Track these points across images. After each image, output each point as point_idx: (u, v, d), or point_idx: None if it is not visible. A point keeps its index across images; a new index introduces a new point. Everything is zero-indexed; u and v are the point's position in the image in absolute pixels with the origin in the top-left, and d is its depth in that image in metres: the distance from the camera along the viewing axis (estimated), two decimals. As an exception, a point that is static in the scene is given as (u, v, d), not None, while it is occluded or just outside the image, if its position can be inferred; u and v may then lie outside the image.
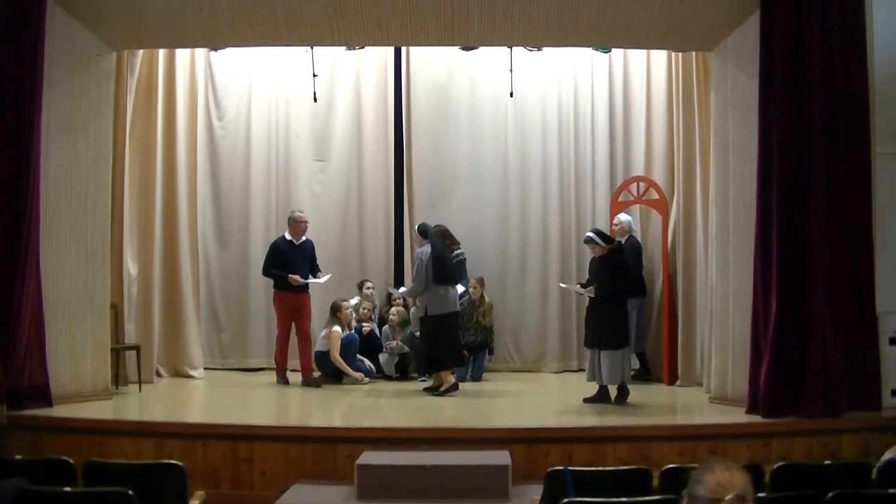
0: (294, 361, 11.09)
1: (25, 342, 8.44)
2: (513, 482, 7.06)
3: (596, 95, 12.48)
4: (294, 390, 10.50)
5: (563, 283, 11.15)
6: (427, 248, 10.21)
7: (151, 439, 7.90)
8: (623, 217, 11.42)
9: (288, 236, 10.90)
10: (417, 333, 11.19)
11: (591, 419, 8.59)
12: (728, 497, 2.97)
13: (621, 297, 9.36)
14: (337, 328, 10.89)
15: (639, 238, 11.49)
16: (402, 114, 12.57)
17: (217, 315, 12.36)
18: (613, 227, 11.35)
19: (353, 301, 11.56)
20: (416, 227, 10.61)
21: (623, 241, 10.73)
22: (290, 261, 10.73)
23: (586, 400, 9.31)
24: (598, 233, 9.63)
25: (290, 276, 10.57)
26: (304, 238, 10.99)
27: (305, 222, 11.05)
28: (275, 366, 10.99)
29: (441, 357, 10.21)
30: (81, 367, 9.17)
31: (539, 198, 12.46)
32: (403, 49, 12.35)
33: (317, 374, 10.89)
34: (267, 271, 10.89)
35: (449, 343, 10.28)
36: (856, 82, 8.47)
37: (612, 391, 9.31)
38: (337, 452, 7.73)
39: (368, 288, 11.82)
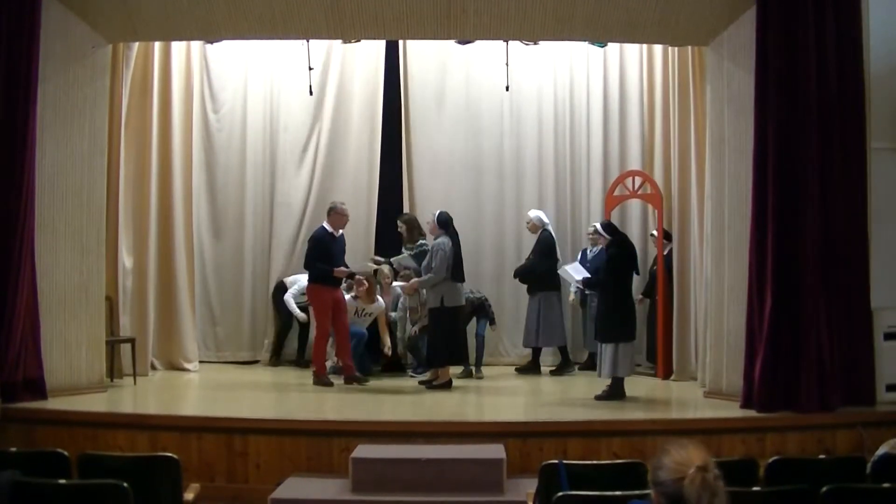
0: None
1: (20, 335, 8.42)
2: (507, 476, 7.06)
3: (592, 90, 12.50)
4: (289, 386, 10.50)
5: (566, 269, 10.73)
6: (446, 240, 10.09)
7: (146, 432, 7.89)
8: (532, 213, 11.72)
9: (328, 227, 10.51)
10: (413, 326, 11.17)
11: (585, 413, 8.57)
12: (690, 471, 2.95)
13: (616, 290, 9.29)
14: (348, 297, 10.88)
15: (552, 231, 11.68)
16: (398, 108, 12.57)
17: (212, 308, 12.39)
18: (526, 224, 11.67)
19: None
20: (437, 216, 10.30)
21: (538, 236, 11.41)
22: (332, 253, 10.40)
23: (598, 397, 9.24)
24: (604, 225, 9.62)
25: (335, 269, 10.27)
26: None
27: (348, 215, 10.74)
28: (315, 367, 10.46)
29: (455, 351, 10.20)
30: (76, 360, 9.17)
31: (534, 192, 12.49)
32: (399, 43, 12.35)
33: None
34: (311, 264, 10.54)
35: (461, 337, 10.32)
36: (851, 77, 8.48)
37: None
38: (331, 446, 7.72)
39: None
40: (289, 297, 11.62)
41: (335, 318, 10.40)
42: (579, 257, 11.78)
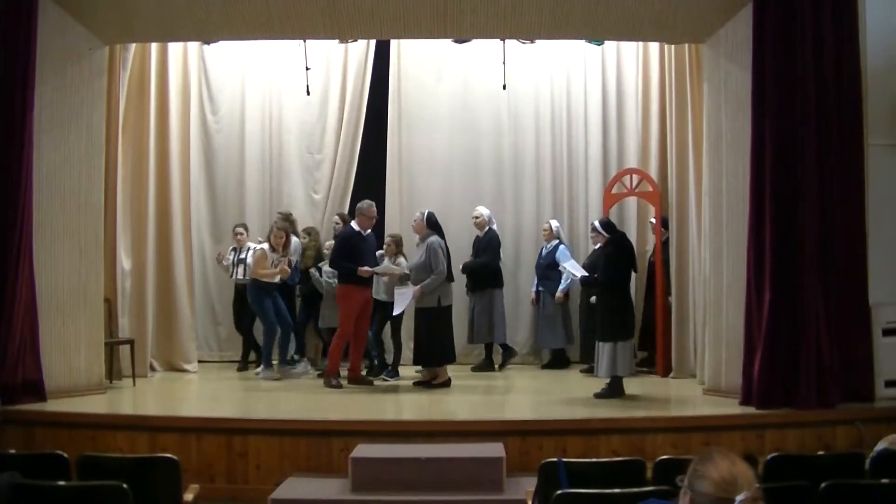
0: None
1: (19, 337, 8.43)
2: (507, 474, 7.06)
3: (589, 88, 12.52)
4: (288, 386, 10.48)
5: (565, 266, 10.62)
6: (439, 239, 10.14)
7: (145, 433, 7.89)
8: (483, 210, 11.76)
9: (356, 227, 10.44)
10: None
11: (584, 411, 8.57)
12: (740, 498, 2.83)
13: (615, 289, 9.28)
14: (265, 246, 10.84)
15: (495, 228, 11.82)
16: (395, 107, 12.58)
17: (213, 308, 12.44)
18: (474, 219, 11.73)
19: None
20: (426, 216, 10.33)
21: (482, 234, 11.55)
22: (361, 252, 10.32)
23: (597, 395, 9.24)
24: (603, 223, 9.63)
25: (360, 268, 10.14)
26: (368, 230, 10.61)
27: (375, 216, 10.70)
28: (328, 368, 10.35)
29: (450, 349, 10.28)
30: (75, 362, 9.17)
31: (533, 190, 12.52)
32: (396, 42, 12.36)
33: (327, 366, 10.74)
34: (336, 263, 10.44)
35: (451, 335, 10.33)
36: (848, 73, 8.48)
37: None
38: (331, 446, 7.73)
39: (240, 233, 11.75)
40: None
41: (360, 320, 10.34)
42: (538, 256, 12.04)
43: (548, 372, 11.74)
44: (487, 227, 11.65)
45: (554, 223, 12.01)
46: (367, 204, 10.66)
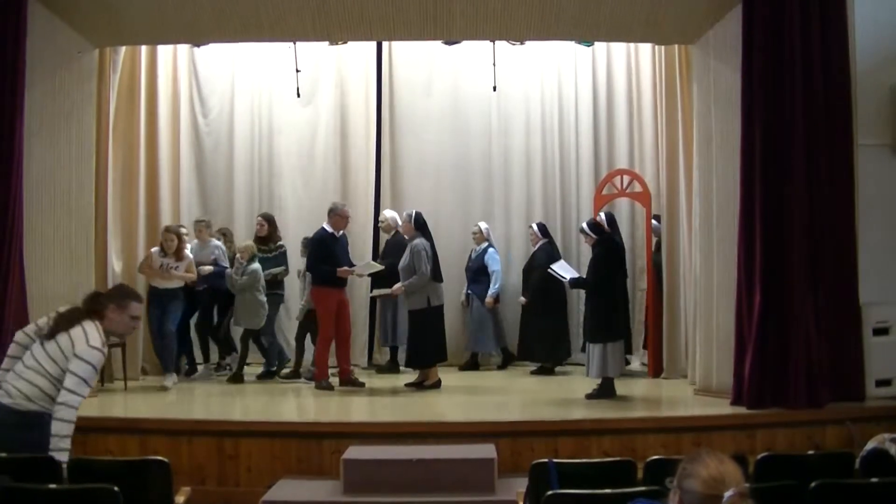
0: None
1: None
2: (498, 475, 7.08)
3: (579, 89, 12.53)
4: (279, 389, 10.51)
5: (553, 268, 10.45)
6: (424, 241, 10.13)
7: (137, 436, 7.89)
8: (388, 213, 11.82)
9: (329, 228, 10.30)
10: None
11: (575, 412, 8.60)
12: (729, 494, 2.91)
13: (603, 290, 9.29)
14: (155, 249, 10.72)
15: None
16: (386, 109, 12.58)
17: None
18: (380, 223, 11.88)
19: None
20: (414, 217, 10.30)
21: (390, 237, 11.60)
22: (335, 253, 10.25)
23: (588, 396, 9.25)
24: (591, 224, 9.64)
25: (339, 269, 10.12)
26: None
27: (349, 216, 10.60)
28: (316, 371, 10.30)
29: (441, 349, 10.29)
30: (66, 365, 9.12)
31: (523, 192, 12.53)
32: (386, 44, 12.36)
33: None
34: (315, 267, 10.35)
35: (443, 335, 10.35)
36: (838, 74, 8.49)
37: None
38: (322, 448, 7.73)
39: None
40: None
41: (338, 321, 10.26)
42: (468, 259, 12.09)
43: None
44: (394, 231, 11.57)
45: (483, 225, 12.03)
46: (341, 204, 10.66)
